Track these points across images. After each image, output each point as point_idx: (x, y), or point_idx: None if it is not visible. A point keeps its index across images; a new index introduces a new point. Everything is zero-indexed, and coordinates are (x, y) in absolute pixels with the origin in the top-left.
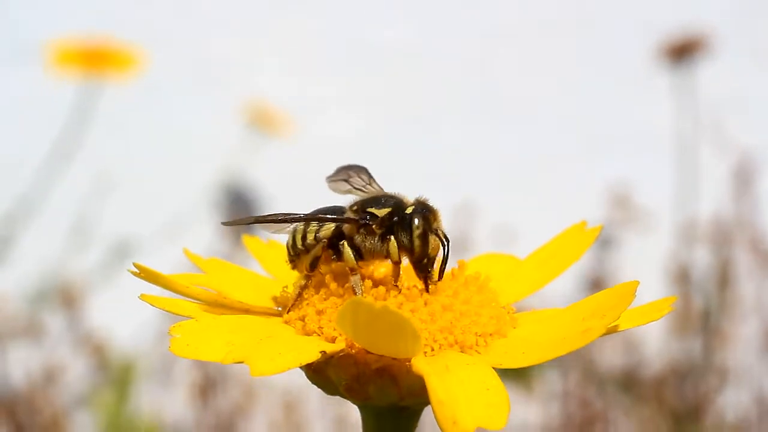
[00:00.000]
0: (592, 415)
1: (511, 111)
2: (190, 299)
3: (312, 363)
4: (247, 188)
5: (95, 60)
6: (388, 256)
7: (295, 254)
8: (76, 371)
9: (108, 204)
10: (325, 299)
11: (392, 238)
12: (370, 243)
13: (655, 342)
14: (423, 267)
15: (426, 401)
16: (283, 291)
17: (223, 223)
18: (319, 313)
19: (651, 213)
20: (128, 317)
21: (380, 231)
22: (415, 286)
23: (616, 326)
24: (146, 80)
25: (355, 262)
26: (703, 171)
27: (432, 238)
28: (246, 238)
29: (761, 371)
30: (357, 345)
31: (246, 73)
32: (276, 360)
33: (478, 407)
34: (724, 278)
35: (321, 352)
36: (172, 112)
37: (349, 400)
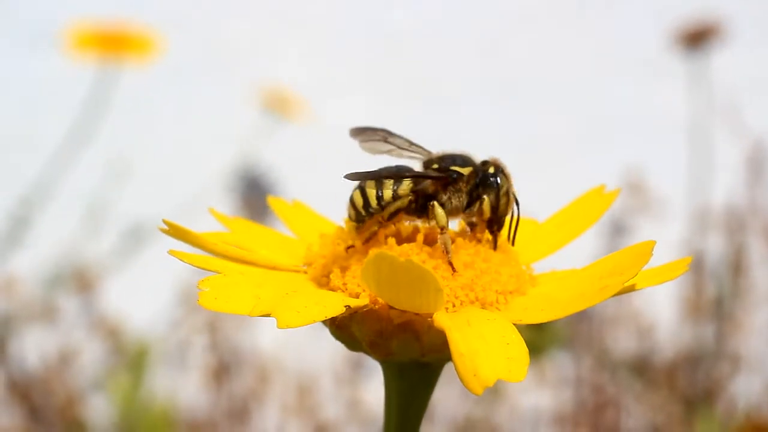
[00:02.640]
0: (604, 401)
1: (525, 95)
2: (217, 255)
3: (336, 319)
4: (262, 172)
5: (113, 44)
6: (475, 214)
7: (367, 213)
8: (90, 355)
9: (124, 188)
10: (349, 256)
11: (486, 196)
12: (456, 201)
13: (667, 328)
14: (498, 226)
15: (447, 357)
16: (310, 249)
17: (346, 176)
18: (344, 269)
19: (664, 199)
20: (143, 301)
21: (467, 189)
22: (437, 243)
23: (633, 285)
24: (163, 64)
25: (446, 220)
26: (717, 157)
27: (506, 200)
28: (271, 199)
29: None
30: (380, 300)
31: (262, 57)
32: (302, 313)
33: (499, 360)
34: (737, 265)
35: (345, 306)
36: (188, 96)
37: (372, 356)
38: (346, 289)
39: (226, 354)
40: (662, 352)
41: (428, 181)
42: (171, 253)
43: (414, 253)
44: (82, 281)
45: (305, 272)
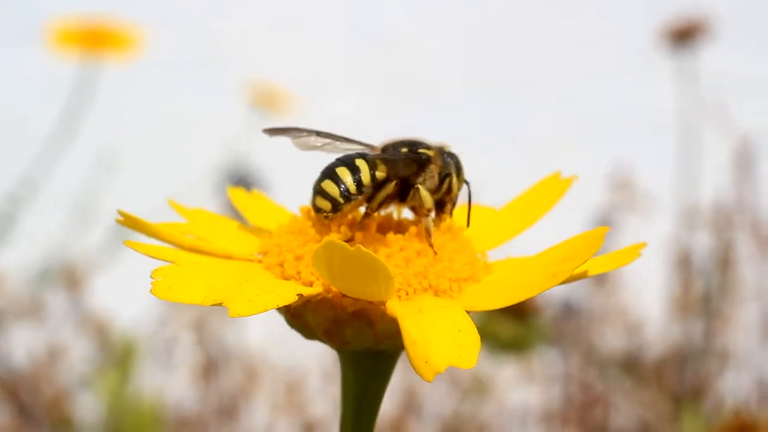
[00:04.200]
0: (592, 398)
1: (513, 92)
2: (173, 246)
3: (291, 307)
4: (250, 169)
5: (95, 40)
6: (442, 195)
7: (345, 201)
8: (78, 352)
9: (110, 184)
10: (303, 245)
11: (453, 175)
12: (430, 183)
13: (656, 325)
14: (446, 209)
15: (401, 345)
16: (265, 239)
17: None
18: (298, 258)
19: (652, 196)
20: (131, 297)
21: (437, 170)
22: (391, 232)
23: (585, 271)
24: (149, 59)
25: (432, 203)
26: (705, 154)
27: (460, 183)
28: (230, 189)
29: (761, 355)
30: (333, 288)
31: (253, 54)
32: (254, 301)
33: (450, 347)
34: (725, 262)
35: (298, 294)
36: (175, 92)
37: (327, 344)
38: (300, 278)
39: (214, 351)
40: (650, 349)
41: (401, 165)
42: (126, 244)
43: (367, 241)
44: (69, 278)
45: (260, 261)
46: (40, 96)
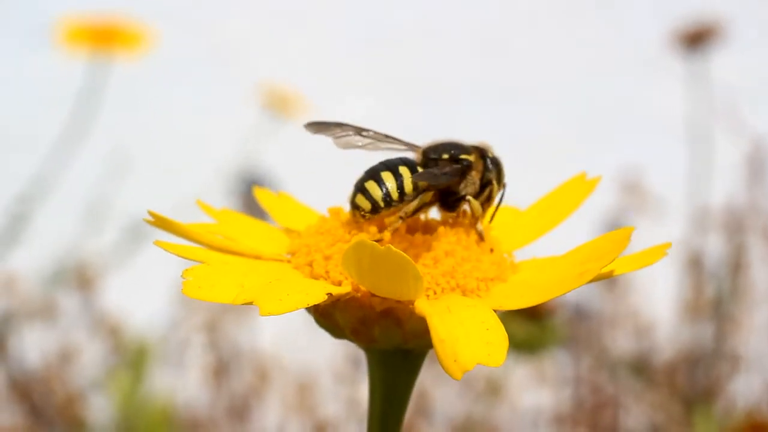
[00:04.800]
0: (603, 400)
1: (526, 95)
2: (202, 246)
3: (320, 306)
4: (262, 171)
5: (104, 38)
6: (484, 201)
7: (386, 205)
8: (90, 353)
9: (122, 184)
10: (332, 245)
11: (495, 181)
12: (471, 189)
13: (667, 328)
14: (482, 212)
15: (429, 343)
16: (294, 239)
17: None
18: (326, 258)
19: (663, 199)
20: (143, 298)
21: (478, 177)
22: (419, 232)
23: (611, 271)
24: (161, 60)
25: (481, 210)
26: (717, 158)
27: (500, 186)
28: (257, 190)
29: None
30: (362, 288)
31: (263, 56)
32: (284, 300)
33: (478, 345)
34: (736, 265)
35: (327, 294)
36: (187, 93)
37: (355, 343)
38: (329, 277)
39: (226, 352)
40: (661, 352)
41: (443, 178)
42: (156, 243)
43: (396, 242)
44: (81, 279)
45: (289, 261)
46: (50, 96)
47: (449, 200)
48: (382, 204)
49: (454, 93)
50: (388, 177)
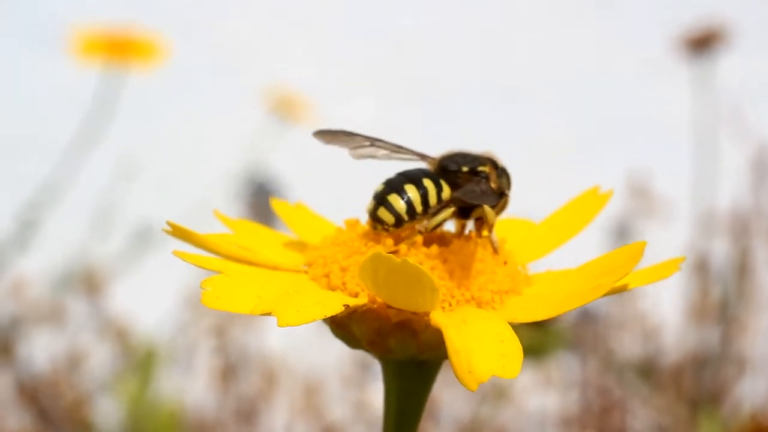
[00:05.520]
0: (610, 404)
1: (530, 97)
2: (220, 256)
3: (336, 317)
4: (268, 175)
5: (119, 48)
6: (498, 210)
7: (410, 218)
8: (99, 356)
9: (132, 190)
10: (348, 257)
11: (507, 193)
12: (490, 201)
13: (673, 331)
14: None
15: (444, 355)
16: (311, 250)
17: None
18: (343, 269)
19: (669, 203)
20: (151, 303)
21: (495, 188)
22: (435, 244)
23: (625, 284)
24: (169, 68)
25: (495, 219)
26: (722, 161)
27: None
28: (274, 201)
29: None
30: (378, 299)
31: (268, 60)
32: (302, 312)
33: (493, 357)
34: (742, 268)
35: (344, 305)
36: (194, 100)
37: (371, 354)
38: (346, 289)
39: (234, 356)
40: (668, 355)
41: (466, 188)
42: (175, 253)
43: (412, 254)
44: (90, 283)
45: (306, 272)
46: (62, 103)
47: (466, 210)
48: (406, 217)
49: (456, 93)
50: (411, 189)
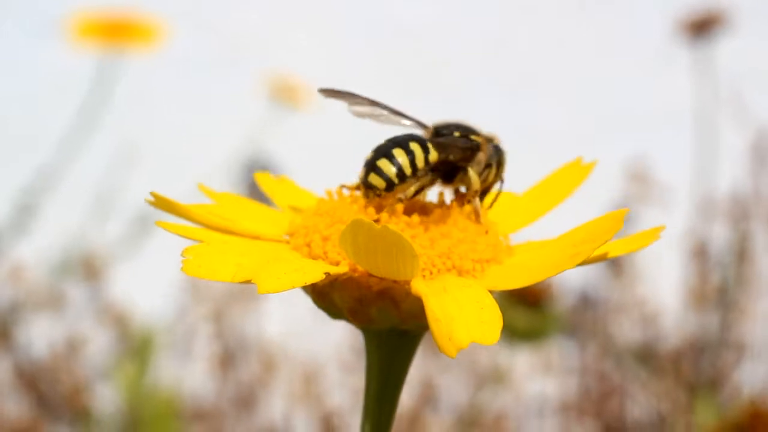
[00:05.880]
0: (609, 389)
1: (531, 86)
2: (202, 226)
3: (317, 286)
4: (269, 162)
5: (117, 33)
6: (482, 182)
7: (400, 181)
8: (97, 343)
9: (130, 176)
10: (330, 226)
11: (494, 164)
12: (477, 168)
13: (672, 316)
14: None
15: (425, 324)
16: (292, 220)
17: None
18: (325, 239)
19: (669, 188)
20: (149, 289)
21: (485, 158)
22: (416, 213)
23: (605, 253)
24: (170, 53)
25: (480, 185)
26: (722, 146)
27: (499, 172)
28: (257, 174)
29: None
30: (359, 268)
31: (270, 47)
32: (282, 279)
33: (473, 324)
34: (741, 254)
35: (325, 273)
36: (195, 86)
37: (353, 324)
38: (327, 258)
39: (232, 342)
40: (667, 340)
41: (454, 150)
42: (157, 223)
43: (392, 222)
44: (88, 269)
45: (287, 242)
46: (61, 88)
47: (451, 174)
48: (396, 180)
49: (459, 86)
50: (399, 153)
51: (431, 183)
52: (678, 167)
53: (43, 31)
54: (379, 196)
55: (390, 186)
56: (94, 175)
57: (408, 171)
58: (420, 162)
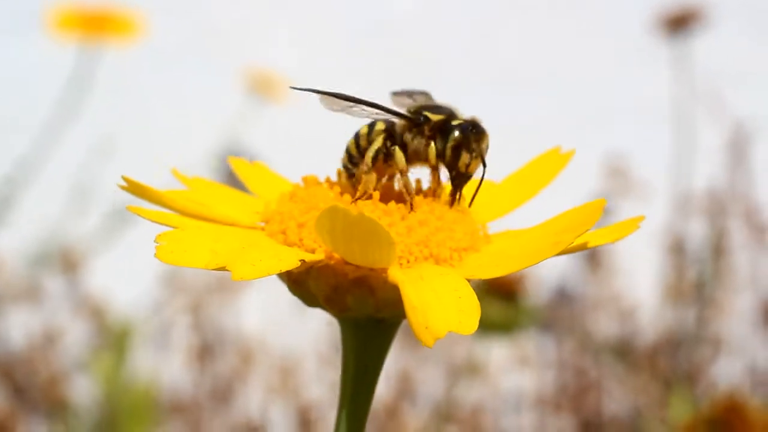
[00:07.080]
0: (586, 384)
1: (509, 81)
2: (176, 212)
3: (293, 274)
4: (245, 154)
5: (95, 25)
6: (426, 159)
7: (357, 150)
8: (74, 334)
9: (109, 168)
10: (305, 213)
11: (432, 143)
12: (417, 144)
13: (649, 311)
14: (454, 181)
15: (402, 313)
16: (267, 207)
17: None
18: (300, 225)
19: (647, 184)
20: (127, 281)
21: (429, 134)
22: (393, 201)
23: (585, 243)
24: (149, 46)
25: (405, 164)
26: (700, 142)
27: (467, 156)
28: (232, 159)
29: (754, 342)
30: (335, 255)
31: (251, 41)
32: (257, 266)
33: (450, 313)
34: (718, 249)
35: (300, 260)
36: (174, 79)
37: (329, 312)
38: (303, 245)
39: (210, 335)
40: (644, 336)
41: (400, 123)
42: (129, 208)
43: (369, 209)
44: (66, 261)
45: (263, 229)
46: (39, 81)
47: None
48: (354, 152)
49: (443, 79)
50: (362, 129)
51: (387, 151)
52: (655, 162)
53: (21, 23)
54: (351, 175)
55: (350, 158)
56: (72, 167)
57: (363, 142)
58: (363, 142)
